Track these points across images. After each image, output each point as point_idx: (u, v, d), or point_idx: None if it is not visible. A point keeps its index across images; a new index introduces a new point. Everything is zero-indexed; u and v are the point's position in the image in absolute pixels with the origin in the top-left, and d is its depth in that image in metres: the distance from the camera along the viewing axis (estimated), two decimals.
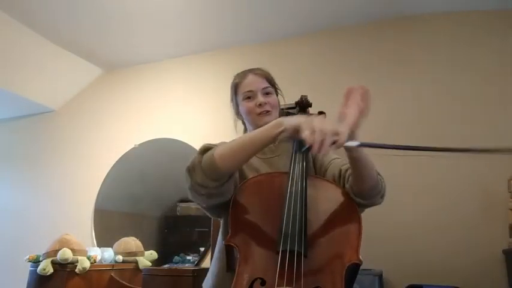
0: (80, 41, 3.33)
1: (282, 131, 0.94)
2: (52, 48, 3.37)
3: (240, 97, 1.26)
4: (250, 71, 1.27)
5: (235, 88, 1.28)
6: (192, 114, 3.34)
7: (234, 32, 3.14)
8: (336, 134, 0.87)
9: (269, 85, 1.26)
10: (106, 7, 2.85)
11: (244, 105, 1.24)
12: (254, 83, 1.24)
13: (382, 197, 1.13)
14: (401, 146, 0.93)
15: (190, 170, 1.02)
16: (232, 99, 1.31)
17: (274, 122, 0.98)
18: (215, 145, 1.05)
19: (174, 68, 3.56)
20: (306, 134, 0.87)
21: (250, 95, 1.23)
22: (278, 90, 1.31)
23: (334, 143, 0.87)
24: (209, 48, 3.38)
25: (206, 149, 1.04)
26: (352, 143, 0.92)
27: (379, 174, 1.13)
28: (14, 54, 3.26)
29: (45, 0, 2.80)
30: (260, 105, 1.21)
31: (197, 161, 1.01)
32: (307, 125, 0.88)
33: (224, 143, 1.06)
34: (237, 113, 1.31)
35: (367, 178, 1.07)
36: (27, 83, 3.55)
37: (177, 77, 3.53)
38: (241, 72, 1.30)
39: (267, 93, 1.24)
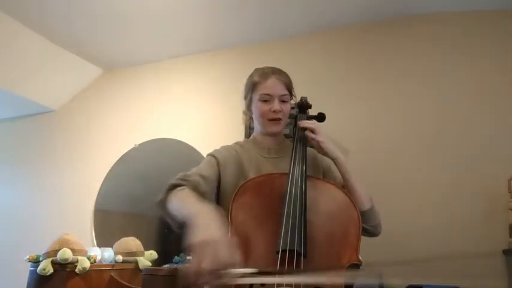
0: (80, 41, 3.33)
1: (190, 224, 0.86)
2: (52, 48, 3.37)
3: (256, 96, 1.25)
4: (273, 72, 1.25)
5: (254, 85, 1.27)
6: (192, 114, 3.34)
7: (234, 31, 3.14)
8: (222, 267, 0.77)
9: (287, 93, 1.26)
10: (106, 7, 2.85)
11: (258, 107, 1.24)
12: (274, 87, 1.23)
13: (377, 226, 1.21)
14: None
15: (158, 206, 1.12)
16: (246, 95, 1.31)
17: (202, 218, 0.87)
18: (182, 182, 1.10)
19: (174, 68, 3.56)
20: (189, 273, 0.76)
21: (267, 98, 1.23)
22: (293, 97, 1.31)
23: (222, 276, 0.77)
24: (209, 48, 3.38)
25: (172, 187, 1.11)
26: (244, 271, 0.83)
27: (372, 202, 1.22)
28: (14, 54, 3.26)
29: (46, 0, 2.80)
30: (275, 111, 1.21)
31: (161, 199, 1.10)
32: (194, 262, 0.77)
33: (187, 177, 1.12)
34: (248, 108, 1.31)
35: (357, 203, 1.13)
36: (27, 83, 3.55)
37: (177, 77, 3.53)
38: (263, 70, 1.27)
39: (283, 101, 1.24)
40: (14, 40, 3.16)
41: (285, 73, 1.29)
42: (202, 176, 1.14)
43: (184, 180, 1.10)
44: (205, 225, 0.84)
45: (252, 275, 0.84)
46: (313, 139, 1.22)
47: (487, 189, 2.32)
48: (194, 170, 1.18)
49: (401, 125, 2.62)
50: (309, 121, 1.29)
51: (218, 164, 1.22)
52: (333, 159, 1.23)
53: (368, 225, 1.17)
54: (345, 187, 1.21)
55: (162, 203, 1.09)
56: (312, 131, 1.23)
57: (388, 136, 2.64)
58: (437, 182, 2.44)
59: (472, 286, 2.14)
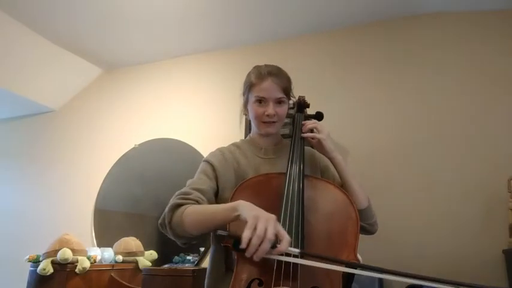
0: (80, 41, 3.34)
1: (237, 216, 0.93)
2: (52, 48, 3.37)
3: (252, 97, 1.24)
4: (270, 74, 1.22)
5: (250, 86, 1.26)
6: (192, 114, 3.34)
7: (235, 31, 3.14)
8: (278, 239, 0.85)
9: (284, 95, 1.24)
10: (106, 7, 2.85)
11: (253, 108, 1.24)
12: (269, 91, 1.21)
13: (374, 224, 1.23)
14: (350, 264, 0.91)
15: (162, 228, 1.09)
16: (244, 94, 1.30)
17: (233, 204, 0.96)
18: (184, 201, 1.08)
19: (174, 68, 3.56)
20: (245, 234, 0.84)
21: (262, 100, 1.22)
22: (292, 98, 1.30)
23: (273, 247, 0.85)
24: (209, 48, 3.38)
25: (175, 206, 1.08)
26: (293, 250, 0.87)
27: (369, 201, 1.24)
28: (14, 54, 3.26)
29: (46, 0, 2.80)
30: (268, 115, 1.21)
31: (167, 221, 1.07)
32: (252, 224, 0.85)
33: (188, 195, 1.10)
34: (245, 107, 1.31)
35: (355, 201, 1.15)
36: (28, 83, 3.56)
37: (177, 77, 3.53)
38: (260, 71, 1.25)
39: (279, 103, 1.23)
40: (14, 40, 3.16)
41: (283, 74, 1.26)
42: (201, 191, 1.13)
43: (186, 199, 1.09)
44: (255, 207, 0.92)
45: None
46: (314, 137, 1.23)
47: (487, 189, 2.31)
48: (190, 183, 1.17)
49: (400, 125, 2.62)
50: (310, 121, 1.29)
51: (215, 170, 1.21)
52: (331, 159, 1.24)
53: (365, 223, 1.19)
54: (343, 186, 1.21)
55: (168, 224, 1.07)
56: (315, 128, 1.24)
57: (387, 136, 2.64)
58: (437, 182, 2.43)
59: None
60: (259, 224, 0.84)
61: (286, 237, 0.86)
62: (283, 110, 1.24)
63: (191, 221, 1.02)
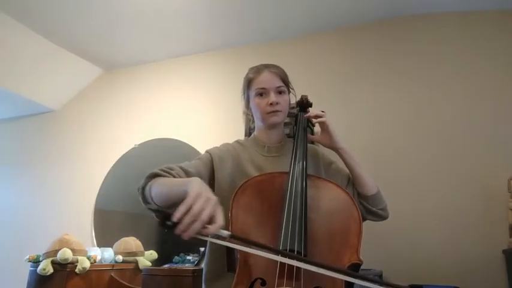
0: (80, 41, 3.33)
1: (185, 192, 0.87)
2: (52, 48, 3.37)
3: (252, 92, 1.25)
4: (266, 67, 1.26)
5: (249, 82, 1.27)
6: (192, 114, 3.34)
7: (234, 32, 3.14)
8: (210, 222, 0.81)
9: (283, 84, 1.25)
10: (106, 7, 2.85)
11: (255, 102, 1.24)
12: (268, 80, 1.23)
13: (385, 209, 1.25)
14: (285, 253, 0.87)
15: (138, 191, 1.12)
16: (244, 93, 1.31)
17: (186, 180, 0.98)
18: (163, 172, 1.10)
19: (174, 68, 3.56)
20: (179, 209, 0.80)
21: (262, 92, 1.23)
22: (291, 90, 1.30)
23: (203, 228, 0.80)
24: (209, 48, 3.38)
25: (152, 175, 1.10)
26: (223, 233, 0.84)
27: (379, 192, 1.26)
28: (14, 54, 3.26)
29: (46, 1, 2.80)
30: (271, 104, 1.21)
31: (140, 187, 1.11)
32: (189, 201, 0.81)
33: (170, 170, 1.12)
34: (247, 107, 1.31)
35: (365, 186, 1.20)
36: (28, 83, 3.55)
37: (177, 77, 3.53)
38: (257, 67, 1.28)
39: (280, 92, 1.24)
40: (14, 40, 3.16)
41: (278, 66, 1.28)
42: (185, 170, 1.14)
43: (165, 171, 1.10)
44: (202, 185, 0.88)
45: (237, 242, 0.86)
46: (320, 120, 1.23)
47: (487, 189, 2.32)
48: (181, 164, 1.18)
49: (401, 125, 2.62)
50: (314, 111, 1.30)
51: (212, 160, 1.22)
52: (337, 149, 1.24)
53: (377, 209, 1.21)
54: (352, 175, 1.23)
55: (142, 189, 1.09)
56: (318, 115, 1.25)
57: (387, 136, 2.64)
58: (437, 182, 2.44)
59: (472, 286, 2.16)
60: (197, 203, 0.80)
61: (218, 222, 0.82)
62: (284, 99, 1.25)
63: (156, 191, 1.04)
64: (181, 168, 1.14)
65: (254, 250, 0.84)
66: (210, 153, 1.24)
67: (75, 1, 2.80)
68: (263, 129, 1.30)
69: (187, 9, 2.86)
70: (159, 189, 1.03)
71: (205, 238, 0.83)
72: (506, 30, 2.52)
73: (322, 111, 1.27)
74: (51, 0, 2.80)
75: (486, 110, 2.45)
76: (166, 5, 2.82)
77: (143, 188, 1.09)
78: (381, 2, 2.69)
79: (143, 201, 1.09)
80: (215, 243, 1.18)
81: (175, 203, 0.87)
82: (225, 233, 0.83)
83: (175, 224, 0.79)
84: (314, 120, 1.26)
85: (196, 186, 0.86)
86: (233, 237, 0.85)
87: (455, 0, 2.59)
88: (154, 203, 1.04)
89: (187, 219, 0.78)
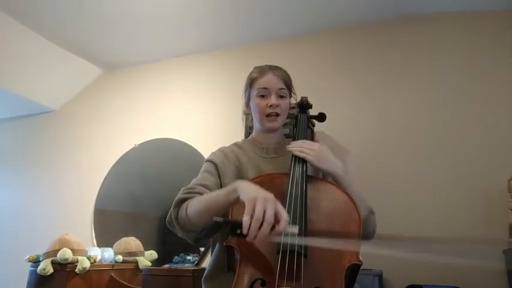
0: (80, 41, 3.33)
1: (238, 198, 0.90)
2: (52, 48, 3.37)
3: (254, 92, 1.26)
4: (271, 68, 1.26)
5: (252, 81, 1.27)
6: (192, 114, 3.34)
7: (235, 31, 3.14)
8: (277, 221, 0.82)
9: (285, 88, 1.25)
10: (106, 7, 2.85)
11: (256, 102, 1.24)
12: (271, 82, 1.23)
13: (373, 233, 1.17)
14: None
15: (170, 225, 1.09)
16: (245, 91, 1.31)
17: (232, 186, 0.95)
18: (188, 195, 1.08)
19: (174, 68, 3.56)
20: (245, 219, 0.81)
21: (264, 93, 1.23)
22: (293, 94, 1.30)
23: (272, 228, 0.82)
24: (209, 48, 3.38)
25: (180, 201, 1.08)
26: (292, 230, 0.86)
27: (372, 212, 1.16)
28: (14, 54, 3.26)
29: (46, 0, 2.80)
30: (271, 106, 1.21)
31: (173, 217, 1.07)
32: (250, 207, 0.82)
33: (191, 190, 1.10)
34: (247, 105, 1.31)
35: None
36: (28, 83, 3.55)
37: (177, 77, 3.53)
38: (261, 67, 1.28)
39: (281, 96, 1.24)
40: (14, 40, 3.16)
41: (283, 69, 1.28)
42: (205, 186, 1.13)
43: (190, 193, 1.09)
44: (253, 187, 0.89)
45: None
46: (305, 157, 1.13)
47: (487, 189, 2.32)
48: (195, 181, 1.17)
49: (401, 125, 2.62)
50: (294, 144, 1.19)
51: (217, 168, 1.21)
52: (332, 175, 1.15)
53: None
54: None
55: (175, 220, 1.07)
56: (301, 151, 1.14)
57: (388, 136, 2.64)
58: (437, 182, 2.44)
59: (472, 286, 2.16)
60: (257, 206, 0.81)
61: (284, 217, 0.83)
62: (285, 103, 1.24)
63: (195, 211, 1.02)
64: (198, 185, 1.13)
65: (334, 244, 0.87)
66: (213, 162, 1.23)
67: (75, 1, 2.80)
68: (261, 131, 1.30)
69: (188, 9, 2.86)
70: (199, 207, 1.02)
71: (278, 240, 0.85)
72: (507, 30, 2.52)
73: (322, 112, 1.26)
74: (51, 1, 2.80)
75: (486, 110, 2.45)
76: (167, 5, 2.82)
77: (176, 218, 1.06)
78: (382, 2, 2.69)
79: (182, 231, 1.06)
80: (217, 243, 1.19)
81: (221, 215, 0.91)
82: (294, 230, 0.86)
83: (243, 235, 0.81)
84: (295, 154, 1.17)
85: (248, 190, 0.88)
86: (302, 232, 0.89)
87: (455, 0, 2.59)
88: (195, 225, 1.03)
89: (254, 225, 0.80)
